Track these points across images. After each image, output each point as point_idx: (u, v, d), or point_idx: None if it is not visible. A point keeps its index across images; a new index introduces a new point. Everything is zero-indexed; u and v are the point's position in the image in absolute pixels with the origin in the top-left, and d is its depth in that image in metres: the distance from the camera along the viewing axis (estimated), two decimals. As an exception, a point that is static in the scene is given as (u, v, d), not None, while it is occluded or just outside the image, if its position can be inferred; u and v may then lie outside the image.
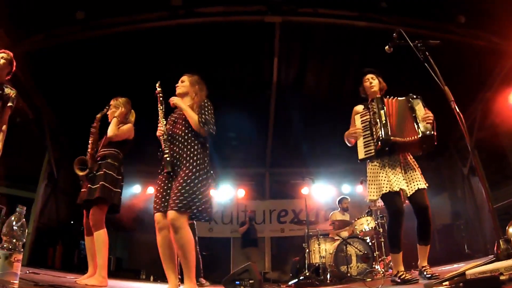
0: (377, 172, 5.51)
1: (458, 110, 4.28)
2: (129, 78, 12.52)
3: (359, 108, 6.09)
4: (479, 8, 10.28)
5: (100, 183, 6.13)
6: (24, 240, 3.89)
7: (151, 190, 16.74)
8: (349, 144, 6.18)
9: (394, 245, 5.37)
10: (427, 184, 5.44)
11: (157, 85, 5.64)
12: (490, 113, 12.21)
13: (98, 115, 6.93)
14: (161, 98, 5.47)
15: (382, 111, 5.54)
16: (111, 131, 6.51)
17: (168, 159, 4.97)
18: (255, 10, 11.40)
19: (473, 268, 3.45)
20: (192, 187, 4.79)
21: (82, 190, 6.33)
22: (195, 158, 5.01)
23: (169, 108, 5.47)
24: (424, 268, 5.25)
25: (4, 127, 6.09)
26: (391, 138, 5.36)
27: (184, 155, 5.02)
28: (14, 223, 3.80)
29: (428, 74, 4.64)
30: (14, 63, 6.55)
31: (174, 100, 5.36)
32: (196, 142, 5.13)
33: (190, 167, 4.91)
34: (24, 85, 11.75)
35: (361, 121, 5.88)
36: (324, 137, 13.93)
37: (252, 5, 11.32)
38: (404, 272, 5.18)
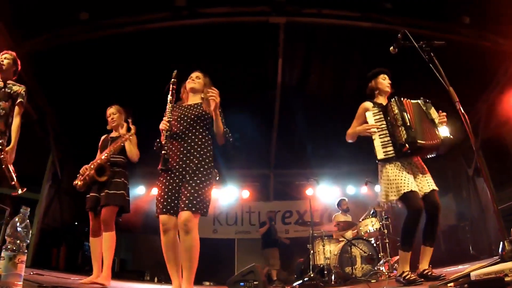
0: (396, 173, 5.47)
1: (462, 111, 4.27)
2: (132, 79, 12.54)
3: (369, 105, 6.04)
4: (484, 9, 10.26)
5: (120, 192, 6.55)
6: (28, 241, 3.89)
7: (155, 191, 16.73)
8: (350, 140, 6.16)
9: (407, 242, 5.34)
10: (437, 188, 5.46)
11: (174, 74, 5.46)
12: (495, 113, 12.18)
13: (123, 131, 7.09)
14: (173, 90, 5.29)
15: (404, 113, 5.53)
16: (135, 155, 6.90)
17: (165, 156, 4.86)
18: (259, 10, 11.38)
19: (478, 269, 3.44)
20: (205, 188, 4.84)
21: (91, 194, 6.59)
22: (207, 160, 5.03)
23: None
24: (426, 271, 5.20)
25: (15, 125, 6.11)
26: (418, 141, 5.36)
27: (196, 155, 4.98)
28: (18, 224, 3.81)
29: (432, 74, 4.63)
30: (19, 62, 6.57)
31: (216, 101, 5.05)
32: (207, 143, 5.14)
33: (202, 169, 4.92)
34: (27, 86, 11.70)
35: (375, 119, 5.84)
36: (328, 138, 13.89)
37: (256, 5, 11.29)
38: (409, 272, 5.16)
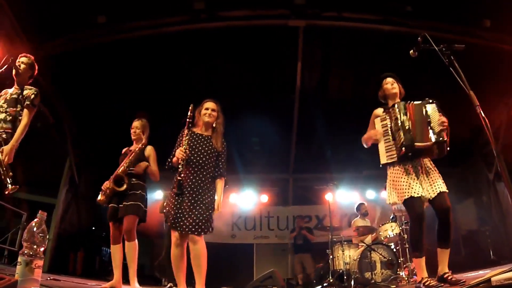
0: (398, 177, 5.54)
1: (483, 115, 4.23)
2: (150, 82, 12.57)
3: (379, 111, 6.14)
4: (505, 12, 10.17)
5: (137, 203, 6.76)
6: (45, 246, 3.88)
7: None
8: (365, 146, 6.30)
9: (416, 249, 5.34)
10: (447, 190, 5.44)
11: (190, 108, 5.81)
12: (516, 117, 12.09)
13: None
14: (190, 124, 5.82)
15: (404, 117, 5.59)
16: (157, 177, 7.21)
17: (181, 181, 5.51)
18: (279, 14, 11.34)
19: (499, 274, 3.40)
20: (208, 212, 5.60)
21: (111, 205, 6.74)
22: (211, 187, 5.78)
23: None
24: (446, 275, 5.16)
25: (20, 125, 6.10)
26: (415, 144, 5.40)
27: (206, 183, 5.72)
28: (35, 229, 3.81)
29: (453, 78, 4.59)
30: (36, 67, 6.58)
31: (219, 209, 5.80)
32: (213, 174, 5.88)
33: (205, 196, 5.65)
34: (45, 90, 11.77)
35: (381, 125, 5.91)
36: (348, 142, 13.80)
37: (276, 8, 11.26)
38: (429, 279, 5.11)
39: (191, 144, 5.77)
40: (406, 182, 5.43)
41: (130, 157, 6.93)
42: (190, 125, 5.80)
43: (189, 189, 5.58)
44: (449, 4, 10.49)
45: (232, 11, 11.23)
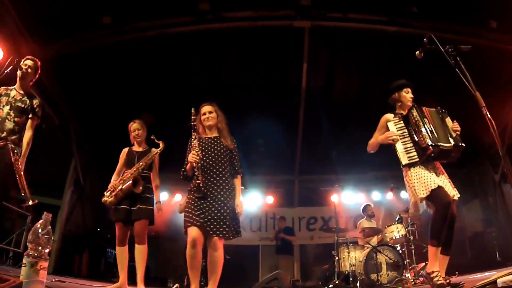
0: (421, 173, 5.54)
1: (489, 116, 4.21)
2: (155, 83, 12.57)
3: (390, 116, 6.14)
4: (511, 13, 10.15)
5: (150, 207, 6.90)
6: (50, 247, 3.88)
7: (178, 197, 16.79)
8: (371, 151, 6.30)
9: (436, 237, 5.27)
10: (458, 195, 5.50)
11: (192, 112, 5.80)
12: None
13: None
14: (195, 127, 5.77)
15: (425, 119, 5.64)
16: (159, 183, 7.31)
17: (201, 186, 5.44)
18: (284, 14, 11.36)
19: (505, 276, 3.39)
20: (236, 217, 5.66)
21: (122, 206, 6.74)
22: (231, 189, 5.69)
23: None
24: (436, 273, 5.14)
25: (26, 138, 6.17)
26: (441, 144, 5.44)
27: (228, 183, 5.67)
28: (40, 230, 3.81)
29: (458, 79, 4.57)
30: (39, 71, 6.60)
31: (241, 212, 5.71)
32: (230, 173, 5.82)
33: (230, 198, 5.60)
34: (49, 91, 11.83)
35: (397, 128, 5.93)
36: (353, 143, 13.79)
37: (281, 9, 11.28)
38: (439, 274, 5.10)
39: (203, 149, 5.75)
40: (431, 175, 5.47)
41: (144, 161, 6.99)
42: (195, 127, 5.76)
43: (215, 193, 5.53)
44: (455, 5, 10.48)
45: (237, 12, 11.25)
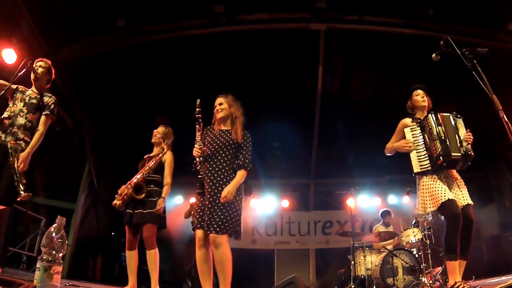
0: (432, 185, 5.55)
1: (506, 119, 4.17)
2: (170, 86, 12.58)
3: (407, 121, 6.14)
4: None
5: (152, 211, 6.73)
6: (64, 251, 3.87)
7: (193, 200, 16.74)
8: (387, 154, 6.35)
9: (451, 251, 5.27)
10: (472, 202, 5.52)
11: (198, 103, 5.74)
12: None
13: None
14: (200, 119, 5.69)
15: (440, 127, 5.63)
16: (169, 181, 7.13)
17: (201, 180, 5.47)
18: (300, 17, 11.34)
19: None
20: (229, 211, 5.25)
21: (127, 210, 6.77)
22: (229, 183, 5.37)
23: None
24: (458, 283, 5.09)
25: (37, 133, 6.12)
26: (452, 154, 5.46)
27: (222, 178, 5.43)
28: (53, 234, 3.80)
29: (475, 82, 4.54)
30: (53, 71, 6.60)
31: (229, 198, 5.26)
32: (232, 167, 5.54)
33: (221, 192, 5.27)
34: (63, 94, 11.84)
35: (412, 134, 5.93)
36: (369, 146, 13.74)
37: (296, 12, 11.25)
38: (463, 283, 5.05)
39: (209, 140, 5.68)
40: (441, 187, 5.45)
41: (150, 164, 6.98)
42: (200, 119, 5.68)
43: (207, 187, 5.39)
44: (472, 7, 10.40)
45: (252, 14, 11.24)
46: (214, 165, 5.49)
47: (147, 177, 6.91)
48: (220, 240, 5.16)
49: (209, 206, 5.25)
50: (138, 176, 6.87)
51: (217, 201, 5.23)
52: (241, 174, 5.45)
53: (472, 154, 5.53)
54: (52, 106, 6.32)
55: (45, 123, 6.22)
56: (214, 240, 5.16)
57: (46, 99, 6.33)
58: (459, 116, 5.80)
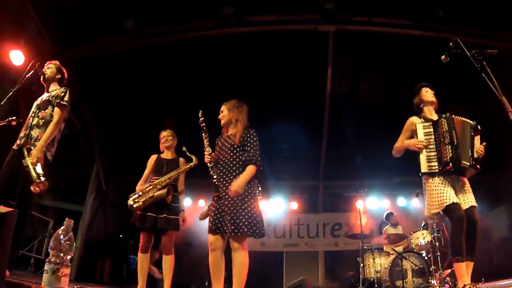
0: (437, 187, 5.57)
1: (516, 121, 4.16)
2: (178, 88, 12.57)
3: (415, 119, 6.13)
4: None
5: (177, 217, 6.96)
6: (72, 254, 3.87)
7: (202, 203, 16.80)
8: (396, 155, 6.36)
9: (458, 253, 5.28)
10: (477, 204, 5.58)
11: (200, 114, 5.95)
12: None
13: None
14: (204, 127, 5.91)
15: (453, 131, 5.66)
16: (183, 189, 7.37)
17: (217, 183, 5.55)
18: (308, 18, 11.33)
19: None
20: (243, 211, 5.30)
21: (149, 213, 6.75)
22: (246, 185, 5.42)
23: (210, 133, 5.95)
24: (468, 286, 5.10)
25: (51, 125, 5.99)
26: (462, 162, 5.52)
27: (228, 181, 5.51)
28: (61, 236, 3.80)
29: (484, 84, 4.51)
30: (64, 70, 6.60)
31: (237, 191, 5.34)
32: (239, 169, 5.60)
33: (242, 195, 5.36)
34: (71, 95, 11.84)
35: (424, 133, 5.93)
36: (378, 148, 13.71)
37: (305, 13, 11.24)
38: (472, 285, 5.06)
39: (218, 148, 5.86)
40: (446, 190, 5.48)
41: (177, 172, 7.09)
42: (204, 128, 5.89)
43: (222, 192, 5.50)
44: (481, 9, 10.36)
45: (261, 16, 11.23)
46: (223, 169, 5.61)
47: (172, 182, 7.01)
48: (236, 244, 5.29)
49: (228, 210, 5.33)
50: (164, 180, 6.93)
51: (228, 204, 5.34)
52: (250, 168, 5.49)
53: (479, 167, 5.63)
54: (62, 95, 6.22)
55: (58, 113, 6.10)
56: (233, 243, 5.29)
57: (55, 91, 6.29)
58: (478, 127, 5.82)
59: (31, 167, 5.49)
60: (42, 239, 11.23)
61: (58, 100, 6.17)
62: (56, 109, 6.13)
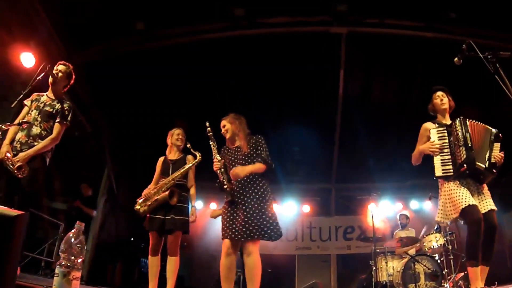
0: (453, 191, 5.51)
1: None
2: (189, 90, 12.56)
3: (430, 125, 6.10)
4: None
5: (184, 217, 6.91)
6: (83, 257, 3.86)
7: (213, 206, 16.76)
8: (415, 163, 6.31)
9: (473, 257, 5.21)
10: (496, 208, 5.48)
11: (207, 124, 6.10)
12: None
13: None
14: (212, 136, 6.09)
15: (467, 134, 5.61)
16: (194, 190, 7.29)
17: (227, 189, 5.62)
18: (320, 20, 11.30)
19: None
20: (257, 215, 5.43)
21: (157, 216, 6.77)
22: (257, 188, 5.65)
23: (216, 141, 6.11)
24: None
25: (47, 139, 6.03)
26: (476, 163, 5.45)
27: (248, 185, 5.65)
28: (72, 239, 3.78)
29: (498, 86, 4.47)
30: (73, 76, 6.59)
31: (237, 174, 5.60)
32: (259, 178, 5.74)
33: (254, 199, 5.56)
34: (81, 98, 11.87)
35: (438, 137, 5.88)
36: (391, 150, 13.69)
37: (317, 15, 11.21)
38: None
39: (228, 159, 5.98)
40: (461, 193, 5.42)
41: (180, 172, 7.04)
42: (212, 137, 6.07)
43: (243, 197, 5.57)
44: (494, 10, 10.29)
45: (273, 18, 11.20)
46: (245, 182, 5.68)
47: (177, 182, 6.99)
48: (250, 248, 5.38)
49: (244, 217, 5.41)
50: (168, 181, 6.93)
51: (243, 207, 5.49)
52: (258, 164, 5.71)
53: (495, 172, 5.55)
54: (66, 113, 6.29)
55: (58, 129, 6.18)
56: (247, 247, 5.40)
57: (60, 105, 6.30)
58: (499, 135, 5.76)
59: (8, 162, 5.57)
60: (53, 242, 11.21)
61: (60, 118, 6.25)
62: (57, 124, 6.21)
